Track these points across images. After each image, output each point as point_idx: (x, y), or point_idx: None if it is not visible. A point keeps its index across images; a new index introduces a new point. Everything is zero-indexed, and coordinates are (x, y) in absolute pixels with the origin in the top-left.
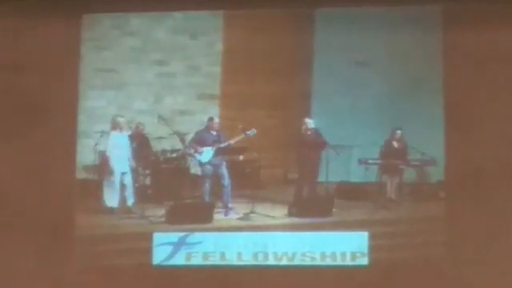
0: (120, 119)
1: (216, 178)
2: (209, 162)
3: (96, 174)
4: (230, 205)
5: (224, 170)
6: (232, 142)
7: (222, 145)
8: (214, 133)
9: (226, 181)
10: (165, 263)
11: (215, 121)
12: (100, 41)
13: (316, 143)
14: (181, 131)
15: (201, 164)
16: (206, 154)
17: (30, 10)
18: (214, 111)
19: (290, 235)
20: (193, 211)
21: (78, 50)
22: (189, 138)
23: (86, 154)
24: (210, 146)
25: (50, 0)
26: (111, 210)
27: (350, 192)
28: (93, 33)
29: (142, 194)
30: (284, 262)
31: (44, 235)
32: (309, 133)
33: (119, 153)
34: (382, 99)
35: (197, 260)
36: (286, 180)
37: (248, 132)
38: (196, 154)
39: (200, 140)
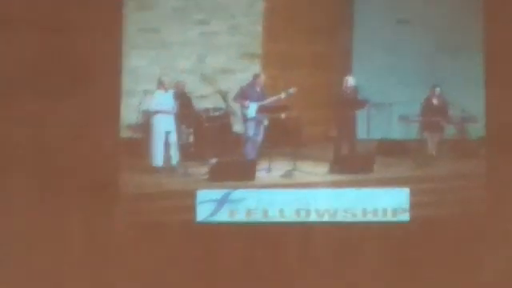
0: (164, 78)
1: (257, 134)
2: (252, 119)
3: (140, 133)
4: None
5: (261, 128)
6: (274, 98)
7: (266, 102)
8: (258, 89)
9: (260, 137)
10: (208, 220)
11: (261, 77)
12: (143, 1)
13: (356, 101)
14: (223, 90)
15: (245, 120)
16: (251, 109)
17: None
18: (255, 70)
19: (332, 192)
20: (235, 169)
21: (121, 10)
22: (231, 96)
23: (130, 113)
24: (254, 102)
25: None
26: (156, 169)
27: (391, 149)
28: None
29: (185, 152)
30: (326, 218)
31: (89, 193)
32: (349, 91)
33: (163, 112)
34: (423, 56)
35: (240, 217)
36: (327, 138)
37: (289, 90)
38: (243, 109)
39: (245, 95)
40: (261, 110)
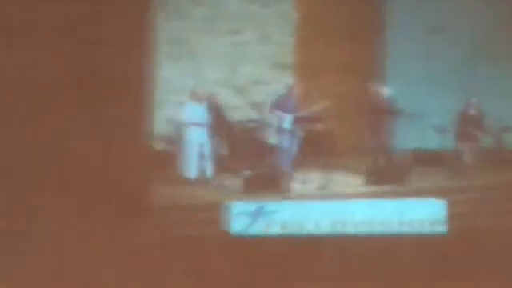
0: (197, 90)
1: (291, 146)
2: (287, 130)
3: (172, 145)
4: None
5: (295, 139)
6: (309, 110)
7: (300, 113)
8: (293, 101)
9: (294, 149)
10: (243, 232)
11: (295, 89)
12: (172, 12)
13: (391, 110)
14: (256, 101)
15: (279, 131)
16: (287, 121)
17: None
18: (287, 80)
19: (368, 203)
20: (270, 181)
21: (152, 21)
22: (264, 107)
23: (162, 125)
24: (288, 113)
25: None
26: (189, 181)
27: (427, 159)
28: (165, 4)
29: (219, 164)
30: (362, 230)
31: (122, 205)
32: (383, 100)
33: (196, 123)
34: (457, 66)
35: (275, 229)
36: (362, 148)
37: (324, 101)
38: (277, 120)
39: (280, 107)
40: (296, 121)
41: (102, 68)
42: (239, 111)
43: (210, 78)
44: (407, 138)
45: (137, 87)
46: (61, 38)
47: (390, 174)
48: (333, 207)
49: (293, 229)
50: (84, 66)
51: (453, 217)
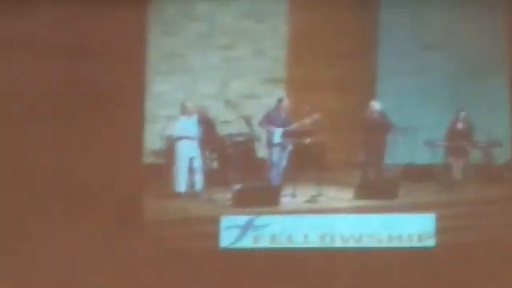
0: (188, 103)
1: (281, 160)
2: (277, 144)
3: (164, 159)
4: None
5: (286, 153)
6: (299, 124)
7: (290, 127)
8: (283, 114)
9: (284, 162)
10: (232, 246)
11: (285, 102)
12: (166, 26)
13: (382, 125)
14: (247, 115)
15: (270, 145)
16: (277, 134)
17: None
18: (279, 95)
19: (357, 217)
20: (260, 194)
21: (145, 36)
22: (255, 121)
23: (153, 139)
24: (279, 127)
25: None
26: (179, 195)
27: (416, 174)
28: (159, 18)
29: (209, 177)
30: (351, 244)
31: (112, 220)
32: (375, 115)
33: (187, 137)
34: (447, 81)
35: (264, 243)
36: (352, 163)
37: (314, 115)
38: (269, 134)
39: (270, 121)
40: (285, 135)
41: (95, 82)
42: (230, 125)
43: (202, 93)
44: (398, 152)
45: (129, 101)
46: (51, 52)
47: (379, 188)
48: (322, 221)
49: (282, 242)
50: (76, 80)
51: (441, 231)
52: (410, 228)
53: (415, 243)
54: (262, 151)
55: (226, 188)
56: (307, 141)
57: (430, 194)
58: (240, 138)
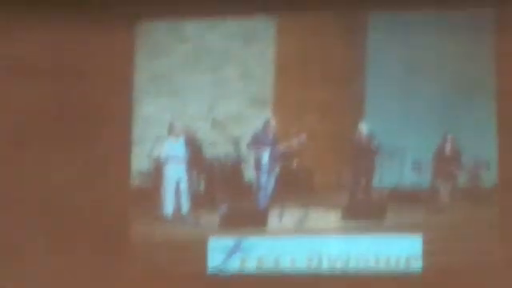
0: (176, 125)
1: (268, 181)
2: (264, 166)
3: (151, 181)
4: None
5: (273, 175)
6: (285, 146)
7: (277, 149)
8: (270, 136)
9: (271, 185)
10: (219, 268)
11: (272, 124)
12: (154, 48)
13: (370, 148)
14: (234, 137)
15: (257, 167)
16: (265, 156)
17: (83, 18)
18: (267, 117)
19: (344, 239)
20: (247, 216)
21: (133, 57)
22: (242, 143)
23: (140, 161)
24: (266, 148)
25: (103, 8)
26: (166, 217)
27: (404, 196)
28: (147, 40)
29: (196, 200)
30: (338, 265)
31: (99, 243)
32: (363, 138)
33: (174, 159)
34: (436, 104)
35: (251, 265)
36: (340, 185)
37: (301, 137)
38: (256, 155)
39: (257, 142)
40: (272, 157)
41: (81, 104)
42: (217, 147)
43: (190, 114)
44: (385, 174)
45: (115, 123)
46: (39, 74)
47: (366, 210)
48: (309, 243)
49: (269, 265)
50: (62, 102)
51: (428, 253)
52: (397, 250)
53: (402, 265)
54: (249, 173)
55: (213, 210)
56: (294, 163)
57: (418, 216)
58: (227, 160)
